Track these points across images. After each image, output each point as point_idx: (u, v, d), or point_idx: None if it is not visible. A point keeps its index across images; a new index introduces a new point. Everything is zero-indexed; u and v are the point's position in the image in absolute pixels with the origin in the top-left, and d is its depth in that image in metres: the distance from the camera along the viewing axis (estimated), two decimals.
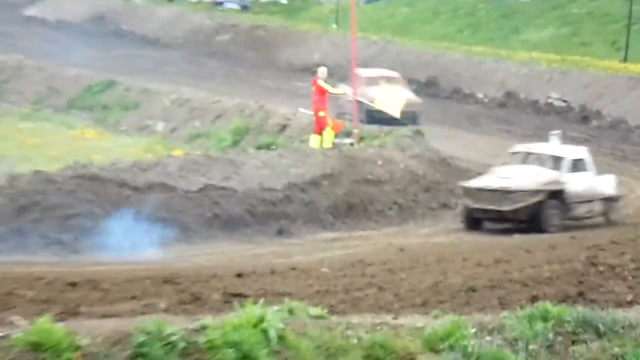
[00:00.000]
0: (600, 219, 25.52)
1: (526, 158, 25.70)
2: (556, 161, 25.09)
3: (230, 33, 61.56)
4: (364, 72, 37.47)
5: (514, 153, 26.31)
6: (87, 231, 22.67)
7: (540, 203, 24.37)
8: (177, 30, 64.28)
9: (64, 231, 22.46)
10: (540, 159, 25.36)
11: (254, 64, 55.09)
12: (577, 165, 25.14)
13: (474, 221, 24.89)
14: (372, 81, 36.63)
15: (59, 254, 21.67)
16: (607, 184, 25.55)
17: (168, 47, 61.35)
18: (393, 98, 32.13)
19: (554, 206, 24.53)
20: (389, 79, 37.75)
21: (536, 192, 24.39)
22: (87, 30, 65.76)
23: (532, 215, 24.38)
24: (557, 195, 24.57)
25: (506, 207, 24.29)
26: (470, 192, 24.94)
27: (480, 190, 24.69)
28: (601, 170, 31.78)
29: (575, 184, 24.71)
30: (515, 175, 24.93)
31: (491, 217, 24.72)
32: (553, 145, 25.90)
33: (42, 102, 45.79)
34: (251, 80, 49.48)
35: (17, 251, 21.30)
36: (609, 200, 25.48)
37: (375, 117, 34.73)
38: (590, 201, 25.08)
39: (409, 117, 35.80)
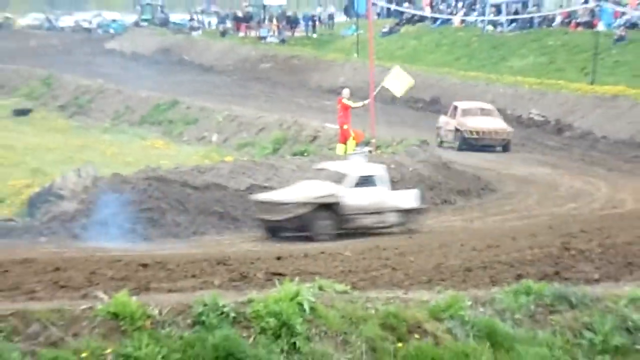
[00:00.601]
0: (399, 228, 23.04)
1: (323, 174, 23.29)
2: (341, 177, 22.66)
3: (271, 62, 61.66)
4: (461, 105, 36.53)
5: (317, 170, 23.95)
6: (156, 222, 22.78)
7: (308, 214, 21.98)
8: (228, 60, 64.42)
9: (137, 222, 22.55)
10: (331, 175, 23.09)
11: (290, 87, 55.15)
12: (365, 181, 22.67)
13: (271, 230, 22.49)
14: (468, 112, 35.75)
15: (132, 240, 21.76)
16: (404, 198, 23.10)
17: (221, 73, 61.51)
18: (401, 80, 31.48)
19: (326, 217, 22.10)
20: (483, 110, 36.46)
21: (304, 204, 22.03)
22: (156, 60, 66.08)
23: (302, 225, 22.06)
24: (331, 207, 22.18)
25: (277, 217, 22.02)
26: (255, 204, 22.89)
27: (262, 202, 22.71)
28: (573, 172, 31.78)
29: (358, 197, 22.33)
30: (295, 189, 22.88)
31: (271, 226, 22.38)
32: (344, 164, 23.92)
33: (119, 118, 45.99)
34: (288, 99, 49.53)
35: (100, 238, 21.41)
36: (407, 212, 22.98)
37: (470, 144, 34.33)
38: (380, 213, 22.65)
39: (501, 144, 35.08)
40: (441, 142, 35.85)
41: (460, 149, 34.49)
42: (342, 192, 22.33)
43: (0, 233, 21.71)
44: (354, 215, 22.38)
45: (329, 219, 22.21)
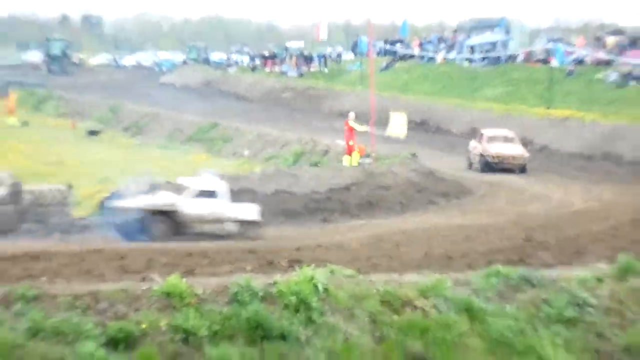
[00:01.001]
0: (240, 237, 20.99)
1: (174, 187, 21.79)
2: (184, 190, 21.22)
3: (291, 92, 61.68)
4: (487, 132, 34.21)
5: (172, 184, 22.31)
6: None
7: (145, 218, 20.47)
8: (257, 91, 64.46)
9: None
10: (178, 188, 21.48)
11: (306, 112, 55.12)
12: (205, 194, 21.04)
13: (124, 234, 20.62)
14: (493, 139, 33.44)
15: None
16: (244, 211, 21.42)
17: (251, 101, 61.55)
18: (400, 122, 31.41)
19: (162, 222, 20.50)
20: (506, 138, 33.79)
21: (140, 209, 20.60)
22: (200, 91, 66.18)
23: (140, 228, 20.43)
24: (168, 214, 20.62)
25: (118, 221, 20.61)
26: (105, 210, 21.36)
27: (109, 208, 21.11)
28: (533, 179, 31.61)
29: (196, 208, 20.76)
30: (143, 197, 21.20)
31: (123, 229, 20.62)
32: (192, 179, 21.92)
33: (171, 138, 46.02)
34: (305, 122, 49.48)
35: None
36: (246, 223, 21.28)
37: (492, 167, 32.27)
38: (219, 222, 20.99)
39: (519, 168, 32.54)
40: (470, 164, 33.83)
41: (482, 171, 32.49)
42: (180, 202, 20.81)
43: (77, 229, 21.76)
44: (192, 222, 20.79)
45: (166, 224, 20.64)
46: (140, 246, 18.52)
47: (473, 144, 34.28)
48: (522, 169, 32.81)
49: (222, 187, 21.60)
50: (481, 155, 33.10)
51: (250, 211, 21.60)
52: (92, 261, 15.86)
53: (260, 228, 21.59)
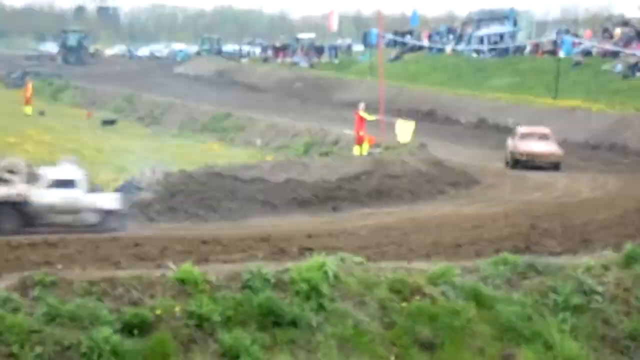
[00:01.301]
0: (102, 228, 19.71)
1: (31, 176, 20.11)
2: (36, 179, 19.92)
3: (302, 82, 61.58)
4: (521, 129, 32.52)
5: (30, 173, 20.50)
6: (213, 208, 22.77)
7: None
8: (269, 81, 64.40)
9: (198, 208, 22.55)
10: (33, 177, 20.00)
11: (317, 102, 55.03)
12: (61, 184, 19.67)
13: None
14: (525, 136, 31.74)
15: (195, 222, 21.78)
16: (104, 200, 20.03)
17: (264, 91, 61.48)
18: (406, 130, 31.32)
19: (9, 213, 19.00)
20: (539, 135, 32.01)
21: None
22: (213, 81, 66.22)
23: None
24: (16, 205, 19.23)
25: None
26: None
27: None
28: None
29: (49, 197, 19.40)
30: None
31: None
32: (48, 169, 20.53)
33: (184, 127, 46.04)
34: (315, 111, 49.39)
35: (170, 221, 21.46)
36: (107, 213, 19.89)
37: (523, 165, 30.66)
38: (76, 212, 19.60)
39: (553, 165, 30.75)
40: (507, 161, 31.90)
41: (512, 168, 30.98)
42: (30, 192, 19.51)
43: None
44: (45, 213, 19.45)
45: (14, 215, 19.24)
46: (155, 234, 18.55)
47: (509, 140, 32.48)
48: (556, 167, 30.87)
49: (79, 176, 20.25)
50: (511, 152, 31.58)
51: (110, 200, 20.27)
52: (108, 248, 15.89)
53: (123, 217, 20.20)
